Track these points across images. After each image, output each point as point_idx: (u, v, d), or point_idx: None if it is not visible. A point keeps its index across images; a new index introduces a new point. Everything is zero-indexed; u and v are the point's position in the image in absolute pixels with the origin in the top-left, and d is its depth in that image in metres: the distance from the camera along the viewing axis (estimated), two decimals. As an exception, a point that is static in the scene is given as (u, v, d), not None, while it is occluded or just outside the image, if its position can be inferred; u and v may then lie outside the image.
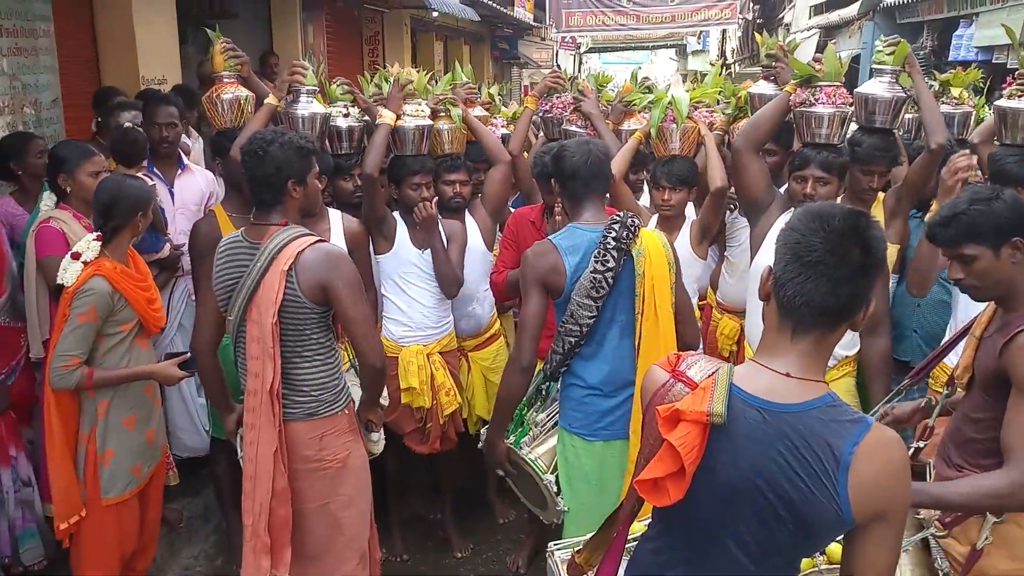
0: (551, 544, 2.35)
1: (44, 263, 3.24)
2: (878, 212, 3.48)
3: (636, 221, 2.81)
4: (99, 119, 4.82)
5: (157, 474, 3.22)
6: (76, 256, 2.86)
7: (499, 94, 5.26)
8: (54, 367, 2.82)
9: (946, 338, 3.17)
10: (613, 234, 2.74)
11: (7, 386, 3.31)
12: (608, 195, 3.12)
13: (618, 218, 2.79)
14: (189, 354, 3.10)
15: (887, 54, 3.33)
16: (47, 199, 3.46)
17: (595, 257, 2.73)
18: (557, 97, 4.23)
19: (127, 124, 3.93)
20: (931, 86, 3.91)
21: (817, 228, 1.50)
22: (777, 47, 3.72)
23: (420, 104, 3.79)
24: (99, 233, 2.91)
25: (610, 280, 2.72)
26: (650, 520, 1.74)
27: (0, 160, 3.67)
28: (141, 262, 3.15)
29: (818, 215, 1.53)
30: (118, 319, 2.92)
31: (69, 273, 2.84)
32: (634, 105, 4.19)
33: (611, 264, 2.72)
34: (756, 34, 4.40)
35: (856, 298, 1.51)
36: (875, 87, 3.30)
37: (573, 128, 4.10)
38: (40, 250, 3.28)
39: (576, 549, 1.98)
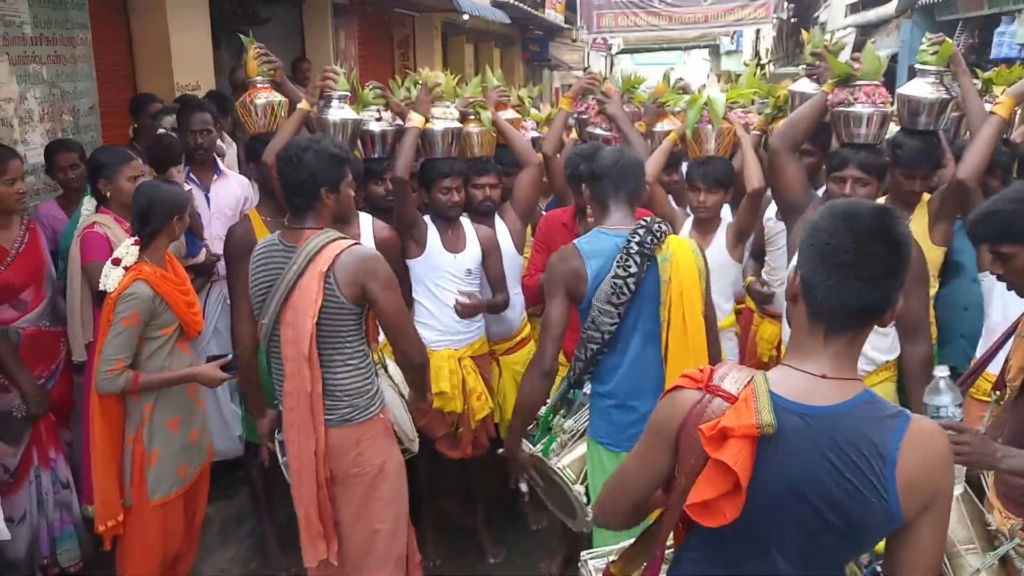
0: (584, 553, 2.31)
1: (89, 268, 3.29)
2: (922, 214, 3.40)
3: (663, 226, 2.75)
4: (136, 125, 4.89)
5: (202, 476, 3.25)
6: (116, 262, 2.90)
7: (530, 97, 5.23)
8: (100, 372, 2.86)
9: (982, 341, 3.10)
10: (637, 239, 2.68)
11: (47, 389, 3.36)
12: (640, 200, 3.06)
13: (644, 223, 2.73)
14: (231, 356, 3.14)
15: (931, 53, 3.24)
16: (87, 203, 3.53)
17: (617, 262, 2.67)
18: (592, 98, 4.19)
19: (163, 131, 3.98)
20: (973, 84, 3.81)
21: (844, 228, 1.47)
22: (823, 45, 3.64)
23: (448, 107, 3.78)
24: (137, 238, 2.95)
25: (632, 286, 2.66)
26: (689, 530, 1.68)
27: (48, 168, 3.79)
28: (178, 266, 3.19)
29: (844, 214, 1.50)
30: (159, 323, 2.96)
31: (111, 279, 2.88)
32: (668, 106, 4.14)
33: (633, 269, 2.65)
34: (803, 31, 4.32)
35: (887, 297, 1.49)
36: (918, 88, 3.21)
37: (598, 131, 4.07)
38: (85, 255, 3.34)
39: (610, 559, 1.94)
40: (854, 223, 1.47)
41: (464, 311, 3.62)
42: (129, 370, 2.89)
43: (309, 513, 2.69)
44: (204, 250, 3.92)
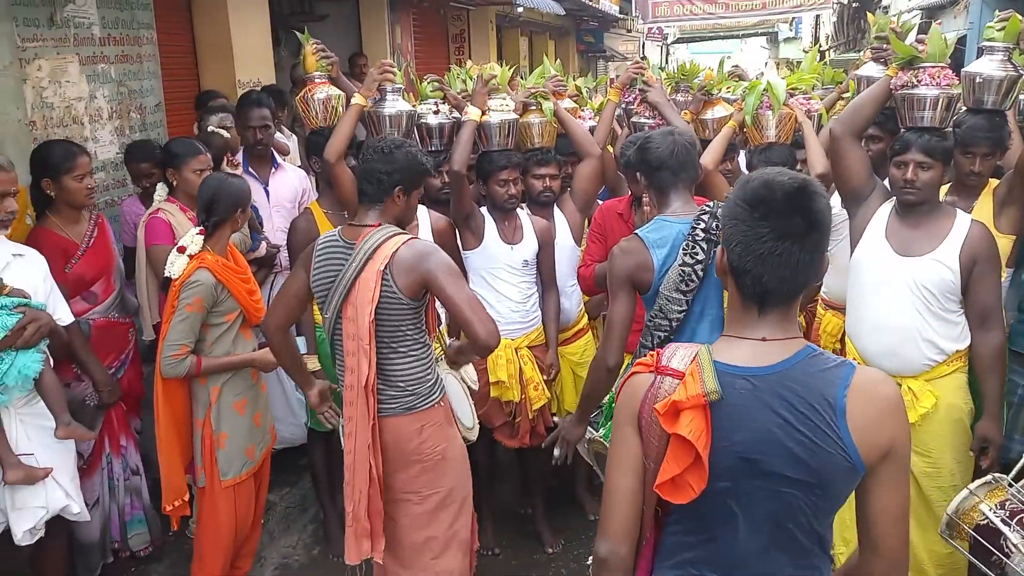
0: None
1: (152, 252, 3.46)
2: (987, 201, 3.28)
3: None
4: (200, 121, 5.00)
5: (265, 459, 3.34)
6: (182, 250, 3.01)
7: (587, 87, 5.20)
8: (165, 356, 2.96)
9: None
10: (702, 225, 2.66)
11: (117, 379, 3.48)
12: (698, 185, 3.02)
13: (708, 208, 2.71)
14: None
15: (997, 30, 3.13)
16: (160, 190, 3.68)
17: (683, 249, 2.66)
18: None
19: (210, 128, 4.06)
20: None
21: (760, 217, 1.50)
22: (889, 27, 3.54)
23: (505, 99, 3.78)
24: (202, 228, 3.04)
25: (700, 273, 2.64)
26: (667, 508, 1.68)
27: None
28: (239, 256, 3.29)
29: (759, 200, 1.51)
30: (222, 309, 3.05)
31: (176, 266, 2.98)
32: (715, 93, 4.08)
33: (700, 256, 2.64)
34: (868, 14, 4.21)
35: (812, 271, 1.53)
36: (984, 65, 3.11)
37: (642, 120, 4.03)
38: (148, 239, 3.51)
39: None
40: (769, 209, 1.50)
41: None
42: (192, 355, 2.99)
43: (358, 509, 2.70)
44: (264, 243, 4.01)
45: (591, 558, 1.70)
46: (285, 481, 4.39)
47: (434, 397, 2.80)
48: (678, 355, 1.58)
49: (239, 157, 4.32)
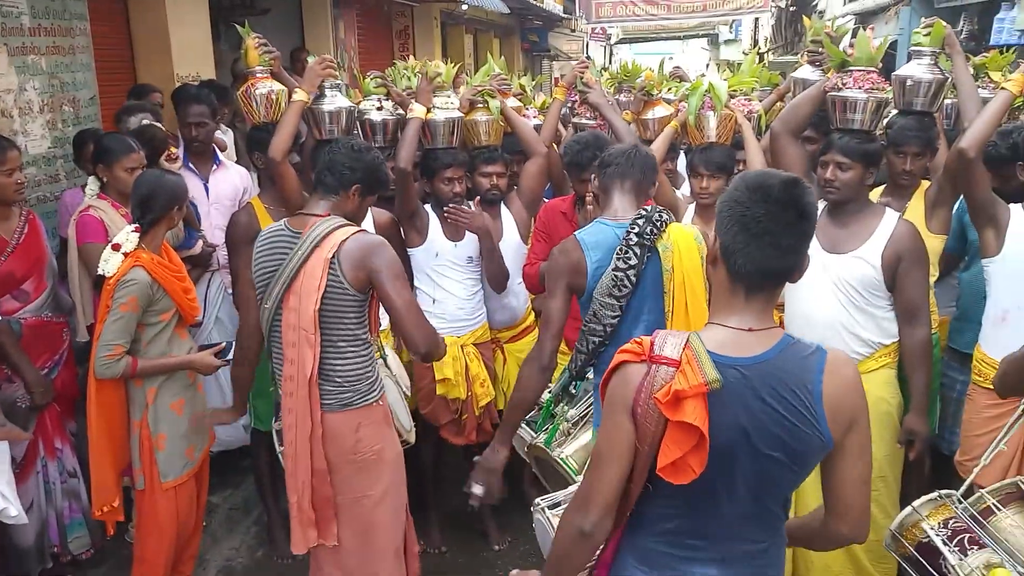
0: (539, 500, 2.36)
1: (85, 250, 3.38)
2: (919, 202, 3.40)
3: (664, 215, 2.70)
4: (118, 122, 4.88)
5: (205, 459, 3.29)
6: (116, 247, 2.93)
7: (531, 87, 5.22)
8: (99, 357, 2.89)
9: (986, 326, 3.08)
10: (636, 229, 2.63)
11: (51, 379, 3.38)
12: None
13: (644, 212, 2.68)
14: (224, 344, 3.18)
15: (924, 35, 3.26)
16: (92, 184, 3.58)
17: (617, 254, 2.62)
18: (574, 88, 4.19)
19: (146, 121, 3.96)
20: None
21: (758, 200, 1.62)
22: (824, 33, 3.65)
23: (450, 97, 3.78)
24: (137, 225, 2.97)
25: (632, 278, 2.61)
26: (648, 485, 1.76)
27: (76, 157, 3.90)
28: (174, 254, 3.21)
29: (758, 186, 1.64)
30: (158, 308, 2.99)
31: (110, 264, 2.91)
32: (655, 94, 4.15)
33: (633, 261, 2.60)
34: (804, 18, 4.32)
35: (797, 260, 1.66)
36: (913, 69, 3.24)
37: (583, 121, 4.06)
38: (81, 237, 3.42)
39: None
40: (767, 194, 1.62)
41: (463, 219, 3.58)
42: (128, 356, 2.92)
43: (301, 500, 2.69)
44: (200, 241, 3.93)
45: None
46: (228, 483, 4.32)
47: (373, 395, 2.78)
48: (669, 343, 1.66)
49: (179, 151, 4.23)
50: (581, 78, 4.10)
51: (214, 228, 4.11)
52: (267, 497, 3.97)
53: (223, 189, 4.29)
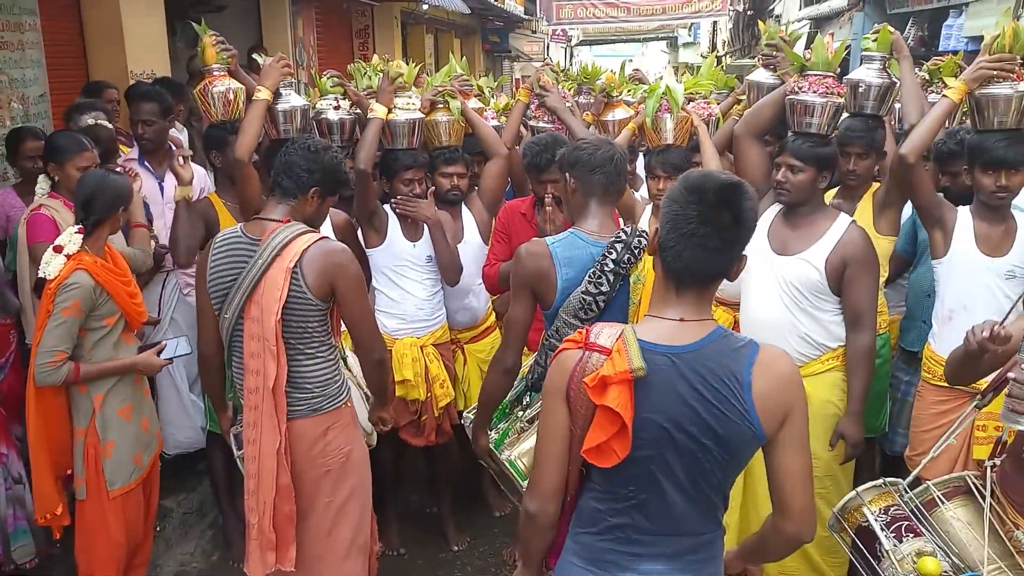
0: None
1: (35, 250, 3.26)
2: (867, 205, 3.45)
3: (642, 241, 2.51)
4: (69, 121, 4.78)
5: (154, 465, 3.22)
6: (59, 249, 2.83)
7: (490, 87, 5.22)
8: (40, 364, 2.80)
9: (935, 325, 3.14)
10: (614, 255, 2.48)
11: (-3, 382, 3.29)
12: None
13: (623, 236, 2.51)
14: (164, 343, 3.14)
15: (872, 41, 3.34)
16: (42, 183, 3.49)
17: (589, 278, 2.49)
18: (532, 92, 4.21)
19: (94, 121, 3.88)
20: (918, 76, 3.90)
21: (694, 201, 1.66)
22: (779, 36, 3.71)
23: (411, 97, 3.76)
24: (80, 227, 2.89)
25: (601, 304, 2.50)
26: (590, 472, 1.83)
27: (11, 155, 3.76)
28: (119, 257, 3.12)
29: (695, 188, 1.68)
30: (101, 313, 2.91)
31: (52, 266, 2.81)
32: (616, 95, 4.18)
33: (605, 288, 2.48)
34: (760, 22, 4.40)
35: (728, 263, 1.71)
36: (863, 73, 3.31)
37: (540, 124, 4.08)
38: (32, 236, 3.31)
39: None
40: (702, 196, 1.66)
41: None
42: (70, 361, 2.83)
43: (262, 521, 2.60)
44: (152, 241, 3.87)
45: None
46: (182, 486, 4.25)
47: (341, 398, 2.76)
48: (605, 333, 1.72)
49: (134, 152, 4.15)
50: (538, 81, 4.12)
51: (167, 228, 4.04)
52: (223, 500, 3.91)
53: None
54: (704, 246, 1.66)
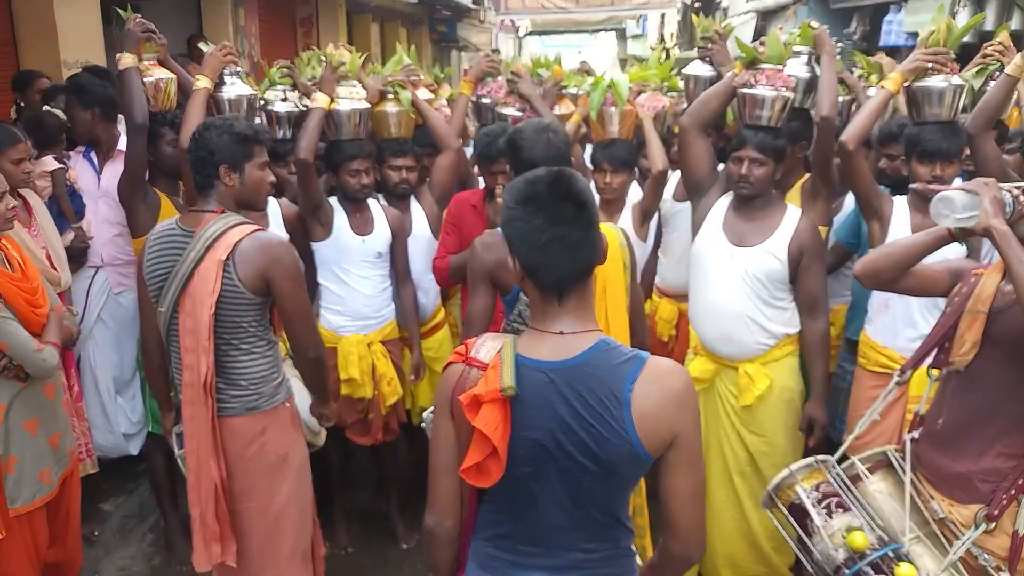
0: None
1: None
2: (796, 195, 3.49)
3: None
4: (20, 103, 4.61)
5: (71, 481, 3.02)
6: None
7: (436, 79, 5.16)
8: None
9: (871, 314, 3.21)
10: None
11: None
12: None
13: None
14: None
15: (797, 36, 3.42)
16: None
17: None
18: (493, 81, 4.17)
19: (47, 108, 3.77)
20: (860, 74, 3.98)
21: (534, 210, 1.61)
22: (713, 30, 3.74)
23: (355, 86, 3.69)
24: None
25: None
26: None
27: None
28: (30, 265, 2.90)
29: (528, 196, 1.63)
30: None
31: None
32: (567, 88, 4.17)
33: None
34: (693, 16, 4.42)
35: (593, 247, 1.64)
36: (791, 68, 3.35)
37: (508, 111, 4.05)
38: None
39: None
40: (538, 202, 1.61)
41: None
42: None
43: (205, 513, 2.58)
44: (70, 233, 3.74)
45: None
46: (121, 489, 4.14)
47: (279, 397, 2.70)
48: (486, 347, 1.68)
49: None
50: (510, 68, 4.08)
51: (100, 221, 3.93)
52: (164, 501, 3.80)
53: (114, 180, 4.05)
54: (567, 245, 1.60)
